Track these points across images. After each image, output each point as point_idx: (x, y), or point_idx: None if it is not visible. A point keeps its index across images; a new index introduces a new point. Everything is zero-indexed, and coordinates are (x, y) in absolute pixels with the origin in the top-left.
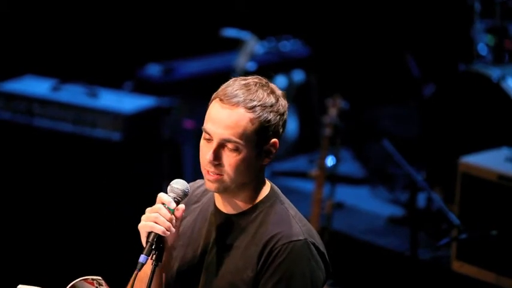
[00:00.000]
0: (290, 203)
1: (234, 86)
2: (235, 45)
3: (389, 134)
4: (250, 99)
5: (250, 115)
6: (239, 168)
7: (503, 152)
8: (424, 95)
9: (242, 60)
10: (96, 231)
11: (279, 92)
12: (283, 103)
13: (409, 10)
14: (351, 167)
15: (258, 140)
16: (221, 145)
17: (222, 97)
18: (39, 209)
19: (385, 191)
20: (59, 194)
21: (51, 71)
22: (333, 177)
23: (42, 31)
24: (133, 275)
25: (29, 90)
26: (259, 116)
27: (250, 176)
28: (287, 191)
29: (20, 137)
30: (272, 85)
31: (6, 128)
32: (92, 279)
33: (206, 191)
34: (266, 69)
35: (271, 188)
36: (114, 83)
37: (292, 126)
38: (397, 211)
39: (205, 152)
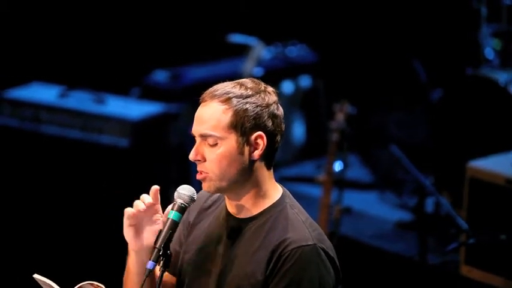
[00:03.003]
0: (301, 208)
1: (216, 85)
2: (242, 50)
3: (396, 139)
4: (226, 93)
5: (224, 106)
6: (221, 163)
7: (511, 156)
8: (432, 99)
9: (249, 66)
10: (104, 237)
11: (269, 89)
12: (266, 97)
13: (416, 15)
14: (359, 172)
15: (237, 132)
16: (202, 142)
17: (203, 96)
18: (48, 215)
19: (393, 196)
20: (67, 200)
21: (58, 77)
22: (340, 183)
23: (49, 38)
24: (142, 281)
25: (36, 97)
26: (234, 106)
27: (239, 173)
28: (294, 197)
29: (28, 144)
30: (261, 83)
31: (13, 135)
32: (98, 285)
33: (222, 196)
34: (273, 74)
35: (283, 193)
36: (121, 90)
37: (299, 132)
38: (405, 216)
39: None
